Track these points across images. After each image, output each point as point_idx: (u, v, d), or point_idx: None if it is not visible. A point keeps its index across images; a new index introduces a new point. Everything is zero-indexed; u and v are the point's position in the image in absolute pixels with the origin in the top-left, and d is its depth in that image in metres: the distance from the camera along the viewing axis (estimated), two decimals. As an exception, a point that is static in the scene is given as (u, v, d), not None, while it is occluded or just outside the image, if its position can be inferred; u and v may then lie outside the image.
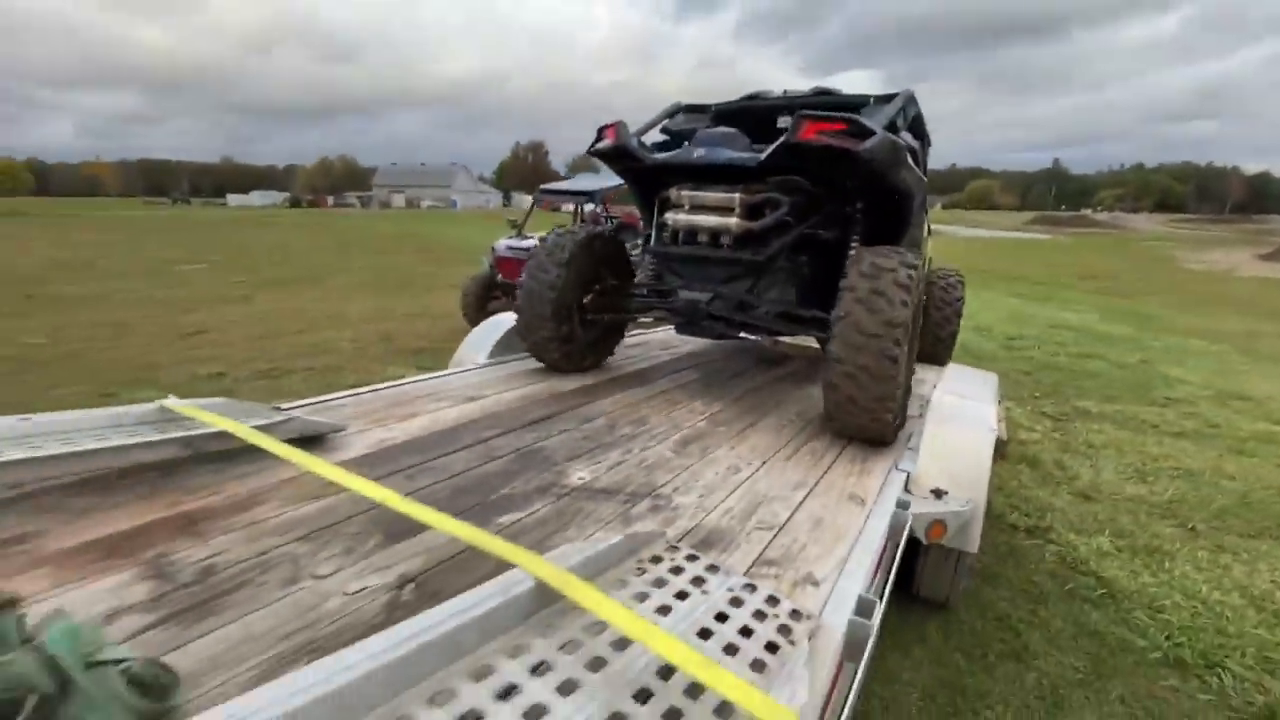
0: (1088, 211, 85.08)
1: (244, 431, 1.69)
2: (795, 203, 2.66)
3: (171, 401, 1.89)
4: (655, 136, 3.40)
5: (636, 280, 3.37)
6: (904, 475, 2.10)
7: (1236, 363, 7.38)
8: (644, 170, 2.92)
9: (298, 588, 1.26)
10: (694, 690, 0.90)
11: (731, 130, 2.80)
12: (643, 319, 3.80)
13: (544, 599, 1.03)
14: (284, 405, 2.23)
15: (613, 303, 3.23)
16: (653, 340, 4.33)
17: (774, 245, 2.66)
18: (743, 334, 3.13)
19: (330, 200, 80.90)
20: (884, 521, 1.74)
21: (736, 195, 2.59)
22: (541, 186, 7.93)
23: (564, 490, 1.84)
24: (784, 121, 3.04)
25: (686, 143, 2.89)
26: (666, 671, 0.93)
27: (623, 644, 0.96)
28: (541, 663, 0.91)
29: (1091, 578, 2.77)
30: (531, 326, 2.97)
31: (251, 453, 1.76)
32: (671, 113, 3.46)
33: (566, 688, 0.87)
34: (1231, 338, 8.90)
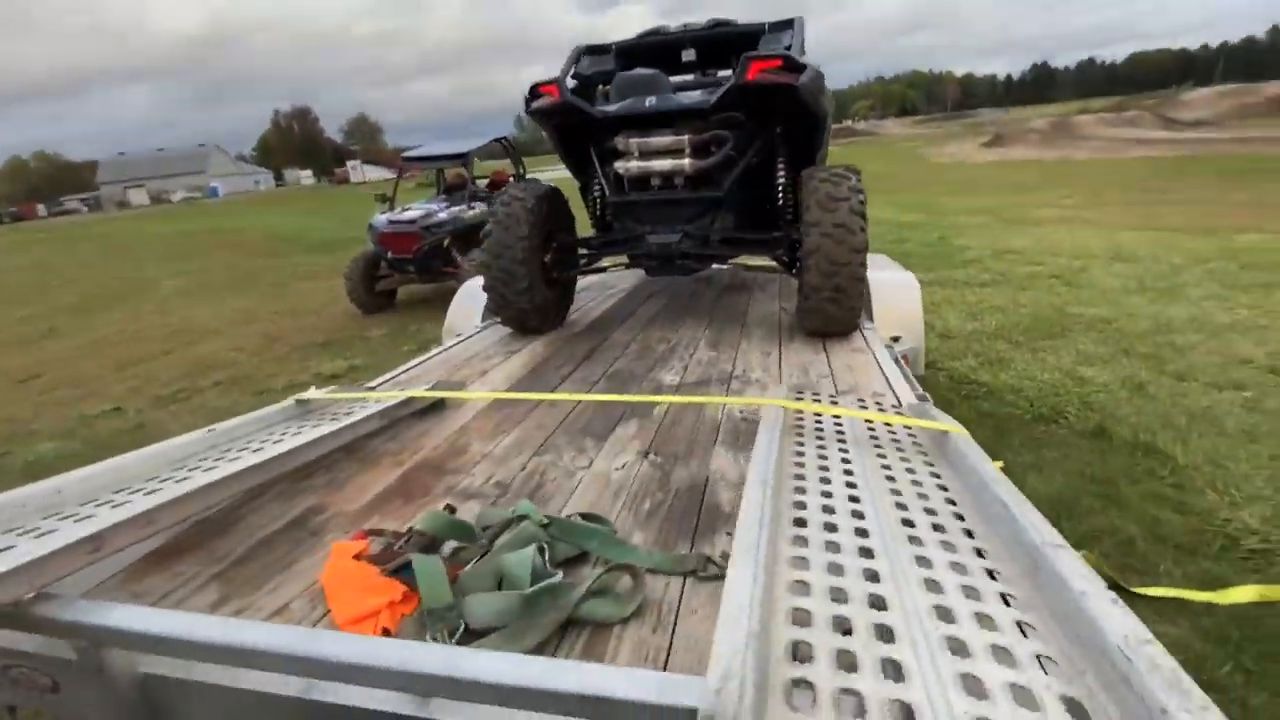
0: (849, 123, 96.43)
1: (423, 395, 1.94)
2: (737, 137, 2.81)
3: (310, 394, 2.03)
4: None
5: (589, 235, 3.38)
6: (873, 331, 2.88)
7: (997, 228, 9.56)
8: (588, 125, 2.91)
9: (578, 479, 1.64)
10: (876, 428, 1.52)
11: (652, 72, 2.92)
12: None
13: (790, 419, 1.57)
14: (365, 386, 2.40)
15: (568, 259, 3.24)
16: (592, 285, 4.72)
17: (727, 180, 2.83)
18: (714, 265, 3.36)
19: (41, 209, 65.40)
20: (887, 355, 2.48)
21: (686, 137, 2.72)
22: (404, 155, 7.62)
23: (673, 388, 2.32)
24: (689, 55, 3.37)
25: (605, 88, 2.96)
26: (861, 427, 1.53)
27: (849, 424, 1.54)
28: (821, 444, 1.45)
29: (973, 384, 3.89)
30: (506, 294, 2.87)
31: (424, 414, 2.03)
32: (577, 58, 3.39)
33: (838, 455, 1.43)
34: (987, 211, 11.36)
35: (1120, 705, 0.68)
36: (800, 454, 1.38)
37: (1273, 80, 45.31)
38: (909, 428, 1.58)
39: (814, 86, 2.66)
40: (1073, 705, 0.69)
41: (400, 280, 7.00)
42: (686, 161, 2.73)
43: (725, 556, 1.22)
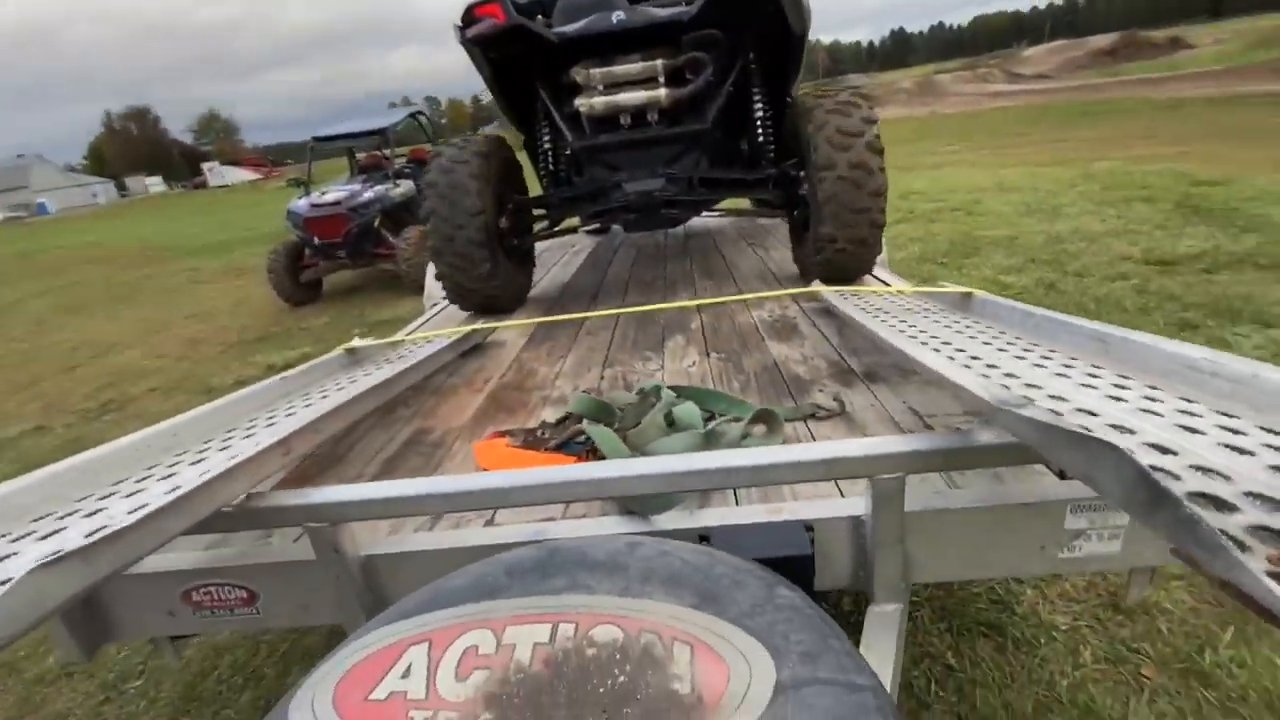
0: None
1: (476, 328, 1.99)
2: (715, 60, 2.42)
3: (355, 342, 2.02)
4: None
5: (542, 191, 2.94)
6: None
7: (894, 174, 10.30)
8: (536, 55, 2.44)
9: (651, 376, 1.78)
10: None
11: None
12: None
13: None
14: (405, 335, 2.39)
15: (525, 221, 2.77)
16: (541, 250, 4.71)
17: (710, 110, 2.44)
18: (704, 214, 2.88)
19: None
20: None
21: (659, 63, 2.32)
22: (315, 135, 7.14)
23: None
24: None
25: (544, 19, 2.49)
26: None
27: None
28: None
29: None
30: (464, 281, 2.42)
31: (469, 354, 2.08)
32: None
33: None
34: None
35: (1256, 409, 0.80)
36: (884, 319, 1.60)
37: (1090, 36, 51.17)
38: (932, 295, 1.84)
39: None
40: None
41: (328, 268, 6.64)
42: (662, 92, 2.33)
43: (840, 401, 1.42)
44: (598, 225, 2.84)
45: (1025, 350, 1.26)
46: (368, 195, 6.39)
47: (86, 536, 0.77)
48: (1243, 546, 0.46)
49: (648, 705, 0.61)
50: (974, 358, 1.18)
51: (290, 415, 1.39)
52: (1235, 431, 0.72)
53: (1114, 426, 0.73)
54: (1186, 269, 4.15)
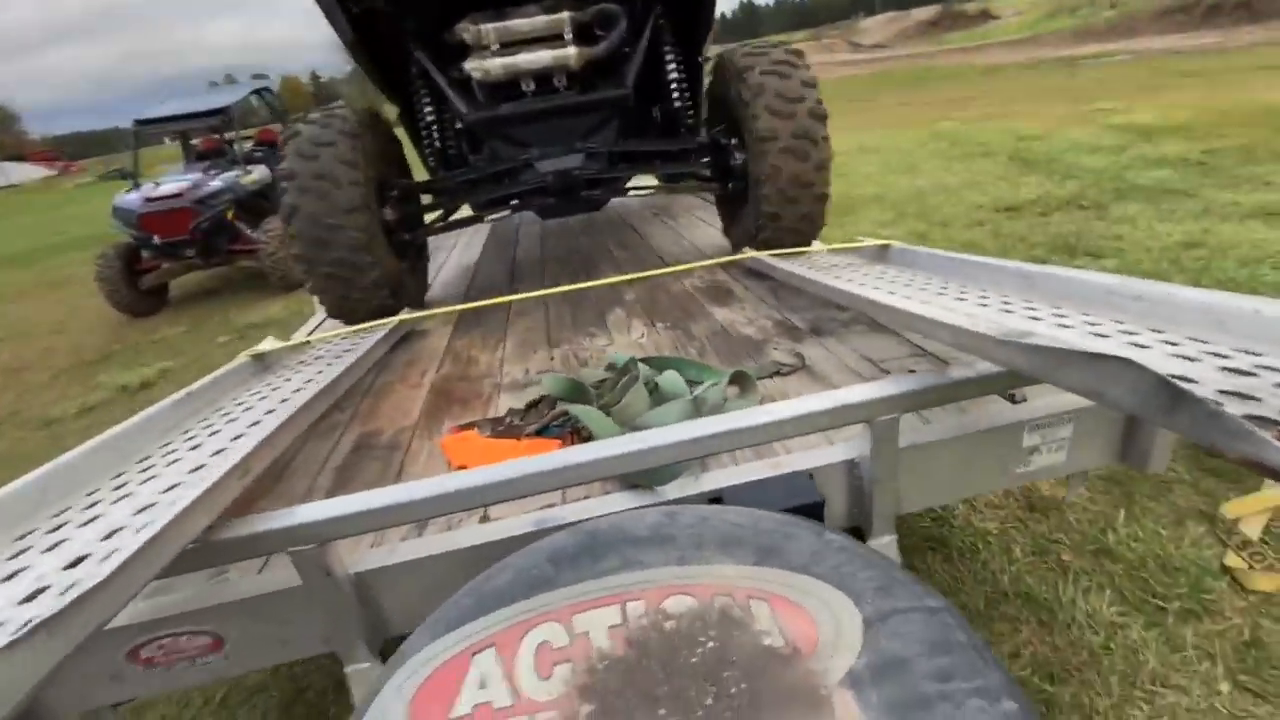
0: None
1: (404, 319, 1.85)
2: (629, 13, 2.13)
3: (263, 346, 1.80)
4: None
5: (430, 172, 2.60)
6: None
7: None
8: (410, 6, 2.13)
9: (603, 351, 1.74)
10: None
11: None
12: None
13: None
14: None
15: (414, 210, 2.36)
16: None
17: (629, 72, 2.16)
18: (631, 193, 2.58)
19: None
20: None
21: (566, 15, 2.04)
22: (138, 118, 6.13)
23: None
24: None
25: None
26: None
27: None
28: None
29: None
30: (349, 293, 1.97)
31: (395, 347, 1.93)
32: None
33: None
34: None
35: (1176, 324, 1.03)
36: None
37: (918, 7, 56.04)
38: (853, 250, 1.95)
39: None
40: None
41: (172, 270, 5.82)
42: (572, 50, 2.04)
43: (798, 355, 1.48)
44: (505, 212, 2.40)
45: (962, 292, 1.38)
46: (215, 184, 5.64)
47: (59, 596, 0.63)
48: (1251, 428, 0.54)
49: (747, 665, 0.61)
50: (923, 303, 1.27)
51: (216, 433, 1.22)
52: (1173, 343, 0.85)
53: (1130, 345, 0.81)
54: (1028, 213, 4.73)
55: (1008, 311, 1.15)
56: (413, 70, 2.39)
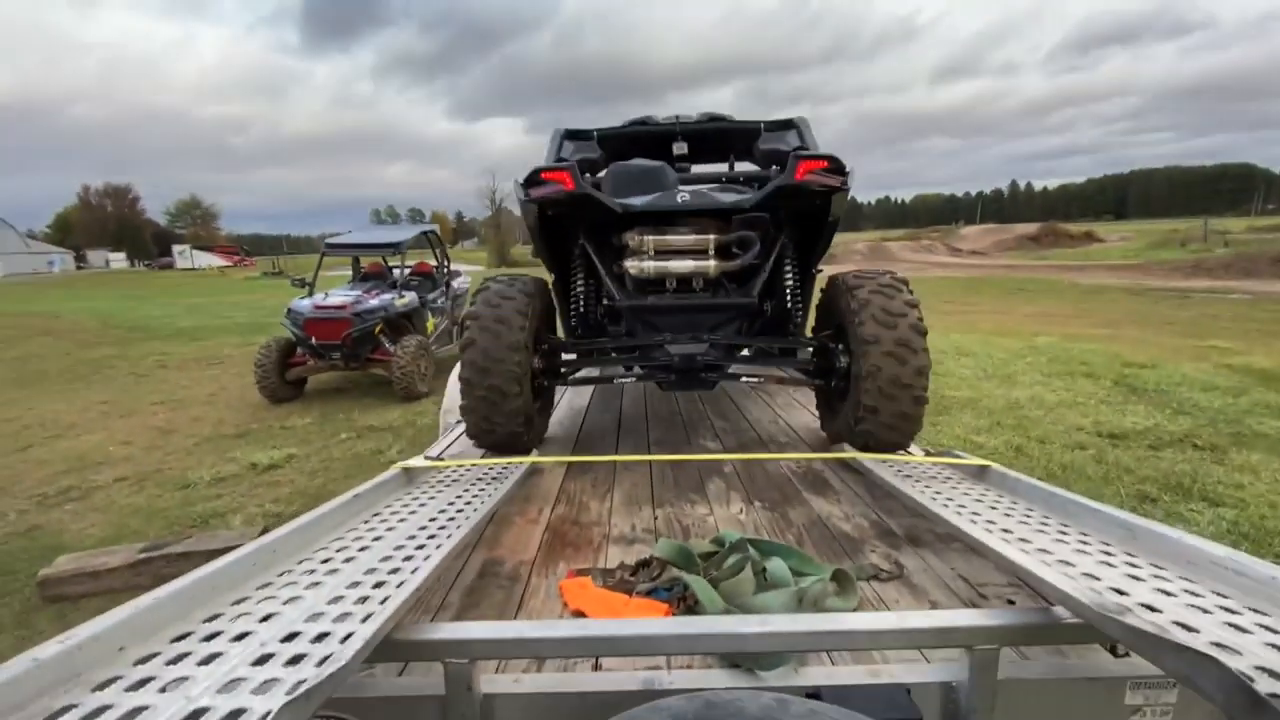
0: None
1: (535, 460, 2.09)
2: (762, 237, 2.52)
3: (412, 462, 2.09)
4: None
5: (576, 337, 2.98)
6: None
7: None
8: (594, 218, 2.56)
9: (711, 523, 1.88)
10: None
11: (658, 164, 2.58)
12: None
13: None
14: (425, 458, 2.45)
15: (554, 364, 2.75)
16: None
17: (756, 284, 2.55)
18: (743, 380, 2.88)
19: None
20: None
21: (711, 237, 2.46)
22: (328, 241, 7.42)
23: (719, 451, 2.63)
24: (680, 148, 3.21)
25: (591, 177, 2.61)
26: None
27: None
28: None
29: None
30: (494, 416, 2.33)
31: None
32: (560, 143, 3.22)
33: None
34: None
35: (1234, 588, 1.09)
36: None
37: (1016, 223, 58.34)
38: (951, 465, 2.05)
39: (847, 189, 2.46)
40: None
41: (316, 367, 6.63)
42: (712, 263, 2.47)
43: (897, 564, 1.56)
44: (630, 379, 2.81)
45: (1061, 532, 1.45)
46: (373, 302, 6.58)
47: (317, 666, 0.82)
48: None
49: None
50: (1021, 540, 1.35)
51: (386, 534, 1.44)
52: (1274, 630, 0.90)
53: (1214, 643, 0.88)
54: (1135, 443, 4.58)
55: (1107, 564, 1.22)
56: (575, 255, 2.88)
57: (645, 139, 3.20)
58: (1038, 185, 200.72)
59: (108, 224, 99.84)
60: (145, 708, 0.81)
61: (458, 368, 3.94)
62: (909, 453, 2.25)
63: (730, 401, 3.55)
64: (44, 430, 5.84)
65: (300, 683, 0.83)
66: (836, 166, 2.35)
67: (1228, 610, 1.00)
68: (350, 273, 8.10)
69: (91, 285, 32.73)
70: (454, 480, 2.01)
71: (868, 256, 36.16)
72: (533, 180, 2.44)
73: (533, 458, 2.14)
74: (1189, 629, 0.94)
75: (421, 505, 1.75)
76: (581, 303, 3.02)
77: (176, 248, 72.32)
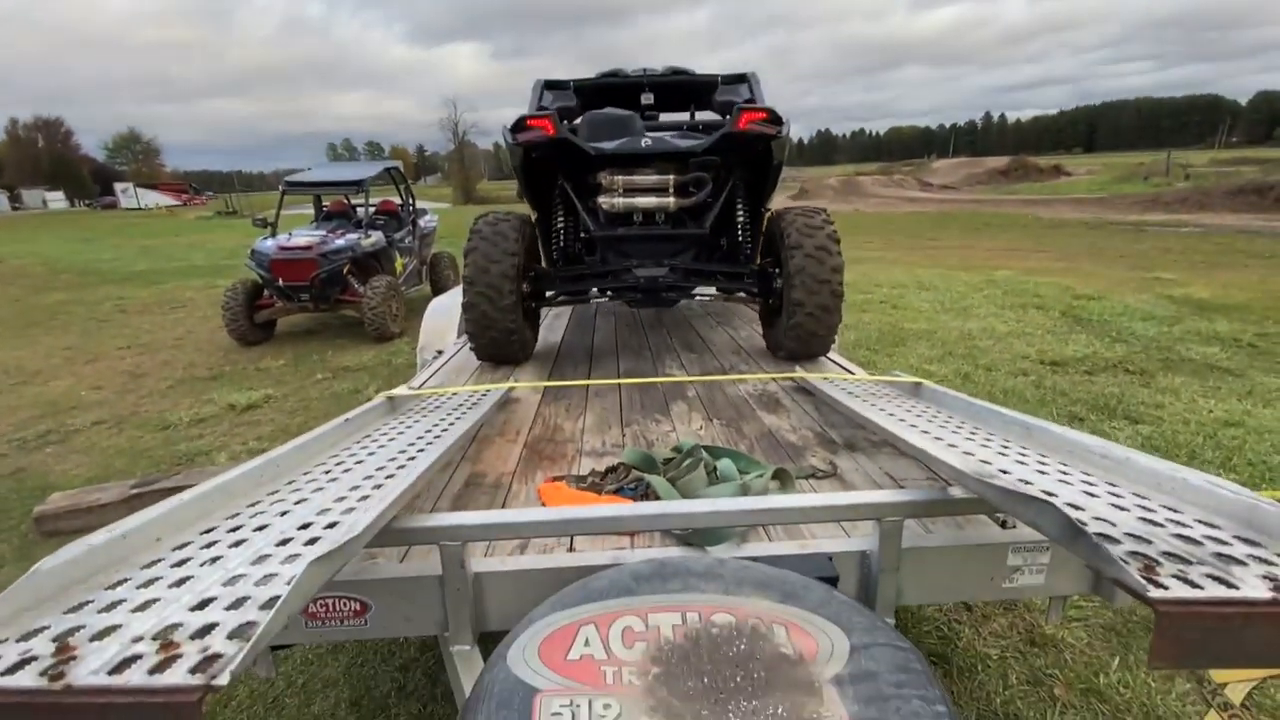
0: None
1: (515, 385, 2.25)
2: (715, 178, 2.95)
3: (396, 391, 2.22)
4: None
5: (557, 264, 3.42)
6: None
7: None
8: (568, 160, 2.91)
9: (674, 438, 2.08)
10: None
11: (627, 113, 2.93)
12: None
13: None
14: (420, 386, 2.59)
15: (540, 290, 3.22)
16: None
17: (708, 218, 2.97)
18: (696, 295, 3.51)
19: None
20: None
21: (671, 177, 2.86)
22: (288, 179, 7.20)
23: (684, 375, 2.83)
24: (647, 98, 3.63)
25: (568, 123, 2.95)
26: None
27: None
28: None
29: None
30: (490, 311, 2.78)
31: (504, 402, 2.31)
32: (540, 92, 3.59)
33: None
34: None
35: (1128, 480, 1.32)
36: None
37: (988, 156, 58.32)
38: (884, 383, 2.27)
39: (787, 138, 2.89)
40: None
41: (284, 310, 6.59)
42: (671, 200, 2.88)
43: (832, 464, 1.78)
44: (603, 299, 3.35)
45: (971, 433, 1.68)
46: (339, 242, 6.50)
47: (344, 533, 0.99)
48: (1125, 561, 0.83)
49: (767, 662, 0.90)
50: (937, 438, 1.57)
51: (383, 449, 1.60)
52: (1117, 494, 1.13)
53: (1046, 491, 1.11)
54: (1072, 370, 4.93)
55: (1003, 455, 1.44)
56: (554, 194, 3.30)
57: (616, 90, 3.57)
58: (1011, 117, 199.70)
59: (40, 161, 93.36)
60: (189, 577, 0.97)
61: (432, 303, 4.12)
62: (852, 374, 2.46)
63: (694, 332, 3.73)
64: (8, 377, 5.77)
65: (301, 555, 1.00)
66: (774, 118, 2.75)
67: (1087, 483, 1.22)
68: (312, 211, 7.91)
69: (32, 228, 31.02)
70: (435, 408, 2.16)
71: (839, 192, 36.05)
72: (519, 126, 2.80)
73: (509, 383, 2.29)
74: (1048, 493, 1.17)
75: (408, 428, 1.91)
76: (561, 237, 3.47)
77: (119, 185, 68.35)
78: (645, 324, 3.94)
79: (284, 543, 1.11)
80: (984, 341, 5.80)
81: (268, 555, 1.05)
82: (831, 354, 2.98)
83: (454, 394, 2.31)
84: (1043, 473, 1.29)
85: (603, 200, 2.88)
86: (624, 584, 1.06)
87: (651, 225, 2.97)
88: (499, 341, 2.88)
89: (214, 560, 1.04)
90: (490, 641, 1.06)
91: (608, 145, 2.80)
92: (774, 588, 1.05)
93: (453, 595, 1.25)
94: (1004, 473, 1.25)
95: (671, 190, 2.89)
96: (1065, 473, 1.29)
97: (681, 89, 3.68)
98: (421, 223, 8.16)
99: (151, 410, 4.74)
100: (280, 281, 6.22)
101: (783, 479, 1.61)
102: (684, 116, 4.04)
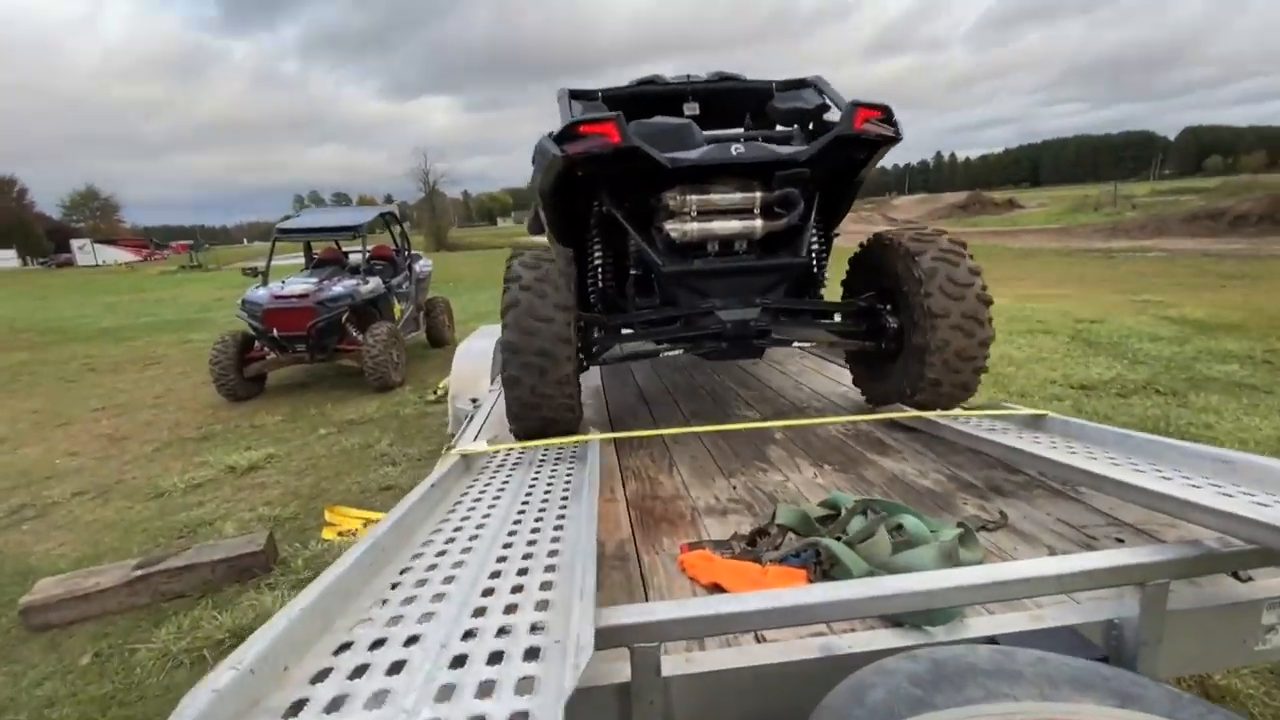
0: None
1: (600, 437, 2.01)
2: (804, 195, 2.38)
3: (468, 448, 1.97)
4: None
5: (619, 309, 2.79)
6: None
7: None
8: (631, 177, 2.34)
9: (792, 488, 1.86)
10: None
11: (683, 120, 2.45)
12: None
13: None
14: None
15: (593, 342, 2.53)
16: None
17: (802, 243, 2.43)
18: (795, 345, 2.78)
19: None
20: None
21: (757, 194, 2.33)
22: (281, 226, 6.92)
23: (761, 419, 2.61)
24: (691, 108, 3.00)
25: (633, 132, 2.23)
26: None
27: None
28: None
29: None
30: (540, 385, 2.11)
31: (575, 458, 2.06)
32: (569, 103, 2.89)
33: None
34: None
35: None
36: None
37: (944, 192, 60.90)
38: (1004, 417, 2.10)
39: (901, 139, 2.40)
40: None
41: (276, 362, 6.22)
42: (758, 223, 2.34)
43: (1000, 513, 1.58)
44: (677, 351, 2.60)
45: (1156, 470, 1.50)
46: (338, 289, 6.20)
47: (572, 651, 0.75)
48: None
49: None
50: (1165, 478, 1.38)
51: (480, 528, 1.35)
52: None
53: None
54: (1104, 392, 4.87)
55: (1225, 494, 1.26)
56: (592, 223, 2.73)
57: (653, 99, 3.00)
58: (960, 156, 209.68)
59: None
60: (362, 728, 0.71)
61: (460, 348, 3.78)
62: (946, 410, 2.29)
63: (745, 372, 3.54)
64: (-19, 446, 5.27)
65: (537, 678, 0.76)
66: (889, 116, 2.30)
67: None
68: (305, 260, 7.61)
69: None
70: (516, 464, 1.91)
71: (810, 229, 36.91)
72: (568, 134, 2.21)
73: (594, 435, 2.05)
74: None
75: (502, 488, 1.66)
76: (600, 276, 2.83)
77: (76, 242, 66.41)
78: (690, 368, 3.69)
79: (459, 662, 0.86)
80: (1006, 368, 5.73)
81: (450, 686, 0.80)
82: None
83: (546, 446, 2.04)
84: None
85: (672, 227, 2.33)
86: (908, 695, 0.82)
87: (731, 256, 2.42)
88: (550, 421, 2.19)
89: (381, 696, 0.78)
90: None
91: (691, 155, 2.26)
92: (1096, 686, 0.83)
93: (642, 709, 1.00)
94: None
95: (758, 210, 2.36)
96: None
97: (731, 97, 3.13)
98: (417, 268, 7.92)
99: (139, 477, 4.32)
100: (275, 332, 5.87)
101: (965, 535, 1.40)
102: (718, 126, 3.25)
